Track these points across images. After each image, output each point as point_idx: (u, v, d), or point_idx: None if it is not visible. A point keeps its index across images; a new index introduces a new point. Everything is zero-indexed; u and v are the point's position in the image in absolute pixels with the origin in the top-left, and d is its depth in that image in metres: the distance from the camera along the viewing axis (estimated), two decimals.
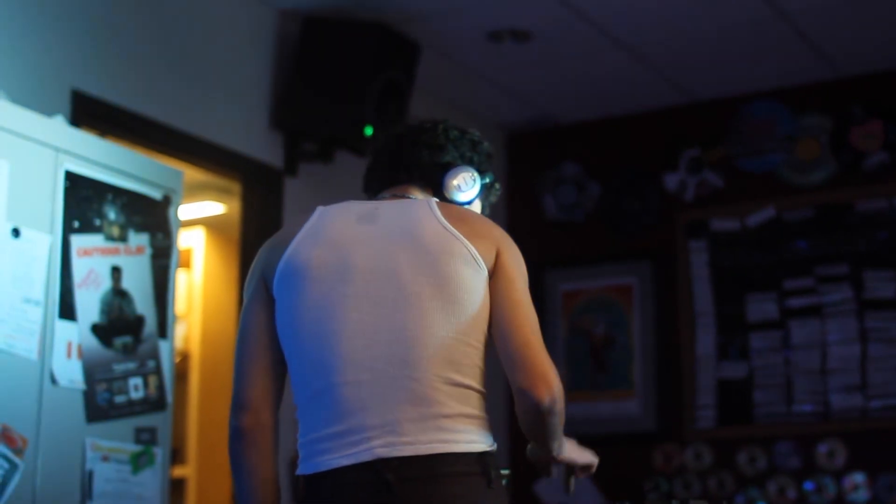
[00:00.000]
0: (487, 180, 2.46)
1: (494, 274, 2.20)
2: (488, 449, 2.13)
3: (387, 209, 2.26)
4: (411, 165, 2.40)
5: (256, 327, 2.25)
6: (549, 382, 2.11)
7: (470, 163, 2.43)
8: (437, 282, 2.14)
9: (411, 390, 2.09)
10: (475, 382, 2.15)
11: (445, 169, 2.40)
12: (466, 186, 2.40)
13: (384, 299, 2.14)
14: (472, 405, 2.13)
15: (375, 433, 2.08)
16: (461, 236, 2.18)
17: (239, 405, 2.23)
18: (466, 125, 2.53)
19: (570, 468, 2.42)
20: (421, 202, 2.27)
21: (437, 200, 2.29)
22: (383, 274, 2.16)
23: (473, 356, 2.15)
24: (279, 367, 2.24)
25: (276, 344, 2.23)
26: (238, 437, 2.22)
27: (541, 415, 2.12)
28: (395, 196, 2.36)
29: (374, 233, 2.21)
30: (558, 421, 2.16)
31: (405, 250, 2.17)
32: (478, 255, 2.17)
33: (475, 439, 2.11)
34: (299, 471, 2.16)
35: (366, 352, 2.12)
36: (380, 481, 2.05)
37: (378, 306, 2.14)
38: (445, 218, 2.21)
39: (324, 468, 2.10)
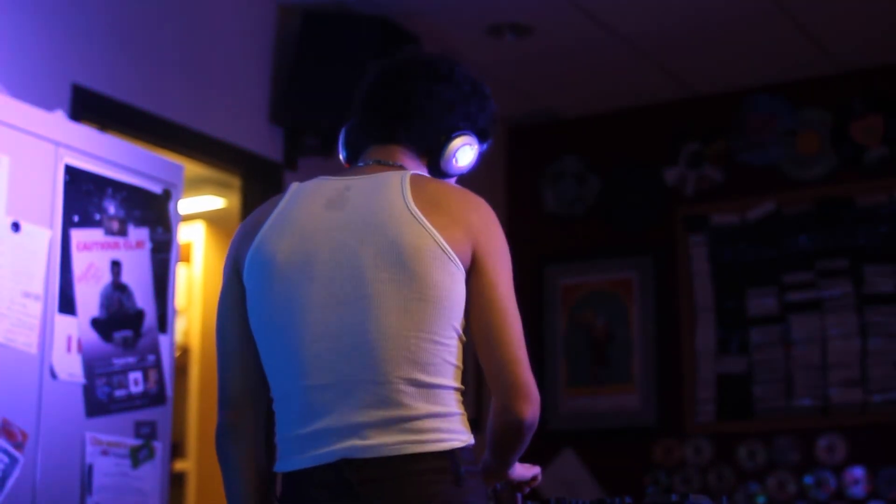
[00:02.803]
0: (485, 147, 2.31)
1: (473, 271, 2.07)
2: (460, 445, 2.02)
3: (358, 189, 2.12)
4: (414, 122, 2.23)
5: (233, 319, 2.16)
6: (533, 401, 2.05)
7: (474, 125, 2.28)
8: (401, 278, 2.02)
9: (375, 394, 2.00)
10: (445, 380, 2.04)
11: (448, 132, 2.25)
12: (464, 158, 2.27)
13: (347, 298, 2.03)
14: (443, 403, 2.03)
15: (341, 436, 2.00)
16: (432, 228, 2.04)
17: (223, 400, 2.17)
18: None
19: (517, 485, 2.32)
20: (394, 181, 2.11)
21: (413, 175, 2.13)
22: (346, 271, 2.04)
23: (442, 353, 2.04)
24: (260, 359, 2.16)
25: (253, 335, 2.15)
26: (224, 433, 2.16)
27: (521, 432, 2.07)
28: (378, 164, 2.21)
29: (339, 222, 2.08)
30: (530, 437, 2.10)
31: (370, 244, 2.04)
32: (449, 248, 2.04)
33: (444, 437, 2.01)
34: (275, 467, 2.11)
35: (330, 355, 2.02)
36: (341, 482, 1.98)
37: (341, 306, 2.03)
38: (417, 204, 2.06)
39: (290, 468, 2.05)
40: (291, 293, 2.06)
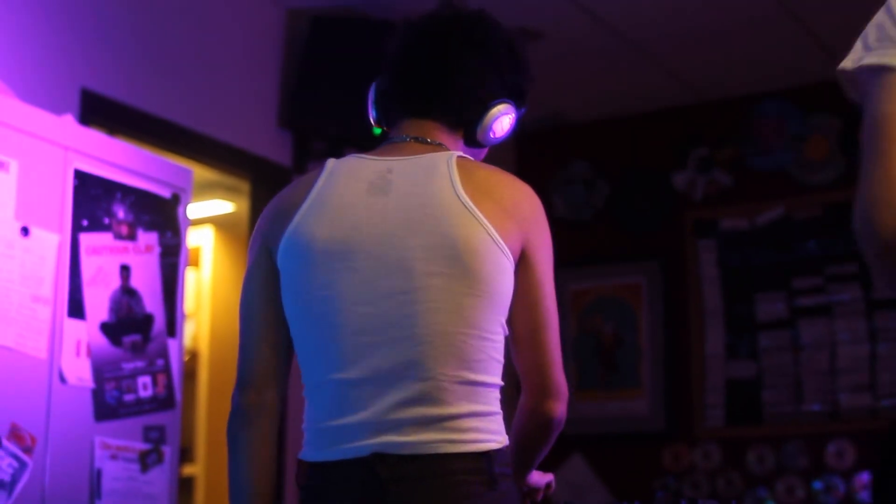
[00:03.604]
0: (523, 111, 2.22)
1: (521, 265, 2.00)
2: (496, 447, 1.96)
3: (401, 173, 2.03)
4: (449, 94, 2.14)
5: (260, 300, 2.07)
6: (563, 400, 2.06)
7: (511, 90, 2.20)
8: (452, 272, 1.93)
9: (417, 390, 1.92)
10: (489, 377, 1.97)
11: (485, 102, 2.16)
12: (501, 127, 2.19)
13: (392, 291, 1.95)
14: (484, 401, 1.96)
15: (376, 431, 1.93)
16: (484, 219, 1.95)
17: (242, 382, 2.09)
18: None
19: (530, 492, 2.28)
20: (441, 166, 2.01)
21: (459, 159, 2.04)
22: (392, 262, 1.95)
23: (488, 349, 1.97)
24: (286, 343, 2.08)
25: (281, 318, 2.06)
26: (237, 416, 2.08)
27: (549, 430, 2.07)
28: (416, 142, 2.11)
29: (385, 209, 1.99)
30: (556, 436, 2.10)
31: (419, 235, 1.95)
32: (501, 241, 1.96)
33: (482, 438, 1.94)
34: (301, 454, 2.04)
35: (371, 349, 1.95)
36: (372, 478, 1.91)
37: (385, 299, 1.95)
38: (467, 192, 1.97)
39: (320, 458, 1.99)
40: (330, 282, 1.98)
